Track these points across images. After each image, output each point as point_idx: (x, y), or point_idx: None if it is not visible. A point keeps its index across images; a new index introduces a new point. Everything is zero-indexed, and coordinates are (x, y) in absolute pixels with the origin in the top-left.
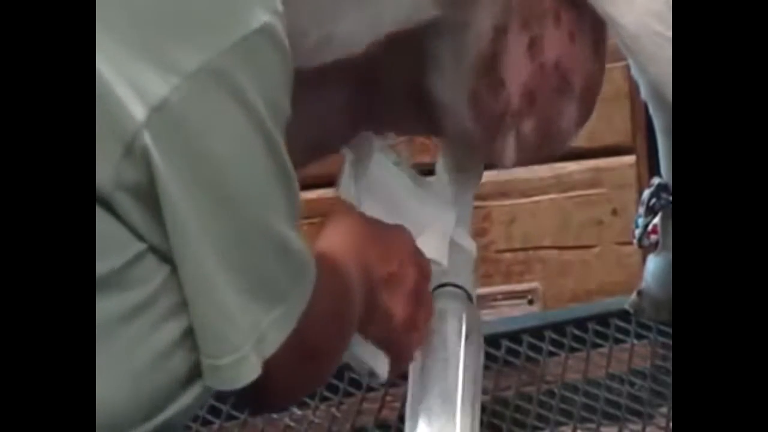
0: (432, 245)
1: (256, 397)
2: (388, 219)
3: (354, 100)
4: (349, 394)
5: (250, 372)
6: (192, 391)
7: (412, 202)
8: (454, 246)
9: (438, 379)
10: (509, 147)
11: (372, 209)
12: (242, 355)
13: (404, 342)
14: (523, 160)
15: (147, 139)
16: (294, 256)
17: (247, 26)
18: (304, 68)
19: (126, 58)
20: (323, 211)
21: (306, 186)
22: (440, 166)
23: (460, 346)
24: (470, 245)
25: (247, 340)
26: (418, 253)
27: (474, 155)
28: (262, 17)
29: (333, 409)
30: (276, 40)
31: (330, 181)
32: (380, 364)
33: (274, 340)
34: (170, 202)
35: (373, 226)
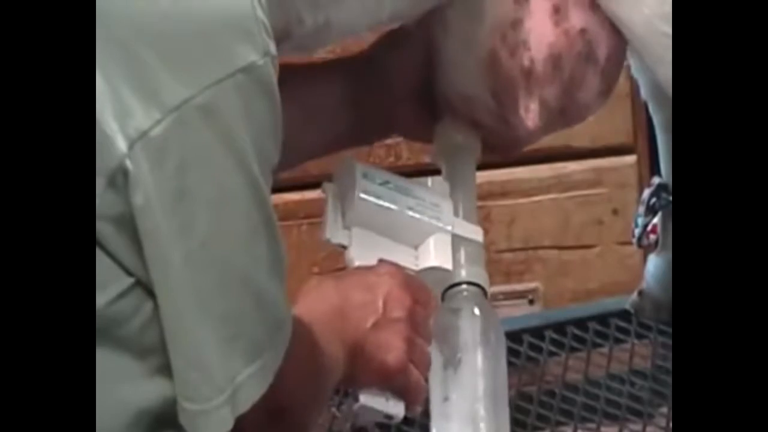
0: (433, 253)
1: None
2: (383, 245)
3: (349, 98)
4: (349, 394)
5: (219, 425)
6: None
7: (407, 218)
8: (458, 240)
9: (456, 381)
10: (533, 111)
11: (365, 239)
12: (209, 408)
13: (408, 380)
14: (538, 132)
15: (129, 170)
16: (273, 309)
17: (233, 64)
18: (296, 63)
19: (115, 84)
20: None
21: (306, 186)
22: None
23: (475, 345)
24: (475, 233)
25: (219, 393)
26: (405, 284)
27: (475, 130)
28: (249, 56)
29: (333, 409)
30: (264, 82)
31: (331, 180)
32: (392, 406)
33: (249, 395)
34: (150, 236)
35: (345, 285)
